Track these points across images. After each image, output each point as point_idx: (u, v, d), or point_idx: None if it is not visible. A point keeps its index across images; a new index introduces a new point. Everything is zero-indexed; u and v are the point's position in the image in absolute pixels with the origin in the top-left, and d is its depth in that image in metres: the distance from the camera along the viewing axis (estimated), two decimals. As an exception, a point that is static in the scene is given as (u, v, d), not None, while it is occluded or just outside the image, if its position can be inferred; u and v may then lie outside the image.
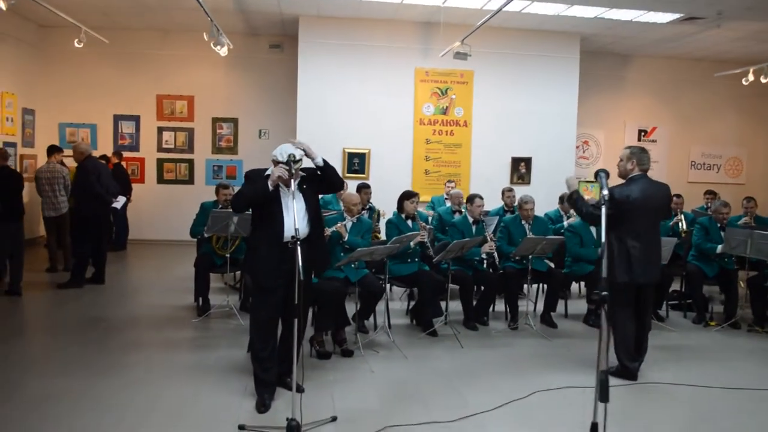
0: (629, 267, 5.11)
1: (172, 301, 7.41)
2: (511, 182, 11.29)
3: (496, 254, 6.69)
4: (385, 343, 5.89)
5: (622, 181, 5.38)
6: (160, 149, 12.10)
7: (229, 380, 4.78)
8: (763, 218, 8.59)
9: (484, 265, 7.00)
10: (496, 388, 4.85)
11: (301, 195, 4.33)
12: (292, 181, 4.13)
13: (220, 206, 6.96)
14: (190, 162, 12.15)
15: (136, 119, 11.96)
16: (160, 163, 12.10)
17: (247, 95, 12.19)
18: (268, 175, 4.26)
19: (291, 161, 4.12)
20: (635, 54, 12.80)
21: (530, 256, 6.64)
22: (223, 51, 8.65)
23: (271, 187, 4.17)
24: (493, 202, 9.03)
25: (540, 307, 7.16)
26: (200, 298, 6.87)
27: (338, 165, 10.77)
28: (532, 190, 10.45)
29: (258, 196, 4.24)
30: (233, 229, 6.57)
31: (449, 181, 10.02)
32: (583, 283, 8.04)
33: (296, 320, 3.76)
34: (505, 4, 7.73)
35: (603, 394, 3.14)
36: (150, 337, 5.94)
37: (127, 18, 10.91)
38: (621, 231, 5.12)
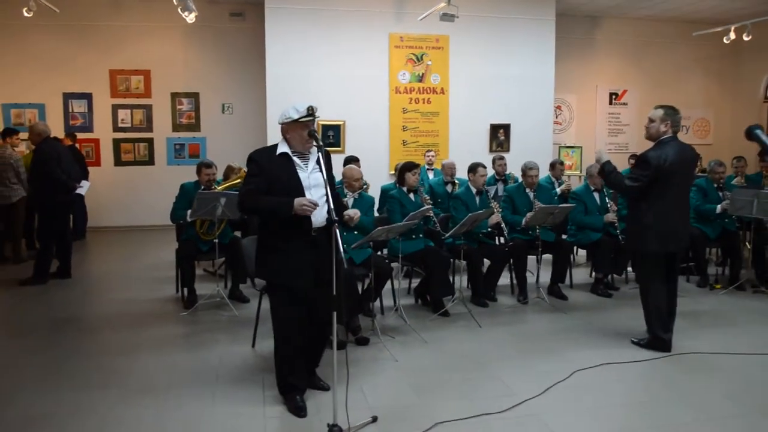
0: (662, 235, 4.82)
1: (150, 293, 6.78)
2: (491, 150, 10.94)
3: (504, 226, 6.32)
4: (400, 327, 5.46)
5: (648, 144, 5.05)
6: (116, 129, 11.23)
7: (243, 382, 4.26)
8: (752, 176, 8.50)
9: (491, 238, 6.63)
10: (534, 370, 4.50)
11: (318, 168, 3.70)
12: (314, 146, 3.67)
13: (203, 187, 6.34)
14: (150, 141, 11.34)
15: (88, 97, 11.03)
16: (117, 143, 11.25)
17: (207, 68, 11.41)
18: (286, 157, 3.70)
19: (312, 115, 3.65)
20: (606, 15, 12.55)
21: (538, 227, 6.32)
22: (191, 17, 7.95)
23: (293, 212, 3.54)
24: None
25: (544, 278, 6.84)
26: (185, 289, 6.28)
27: (312, 139, 10.17)
28: (511, 156, 10.08)
29: (275, 215, 3.64)
30: (220, 211, 5.99)
31: (428, 151, 9.57)
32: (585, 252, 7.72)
33: (335, 313, 3.30)
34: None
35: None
36: (137, 338, 5.30)
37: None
38: (653, 197, 4.82)
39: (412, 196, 6.12)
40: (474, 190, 6.49)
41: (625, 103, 13.20)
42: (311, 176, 3.70)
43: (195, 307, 6.07)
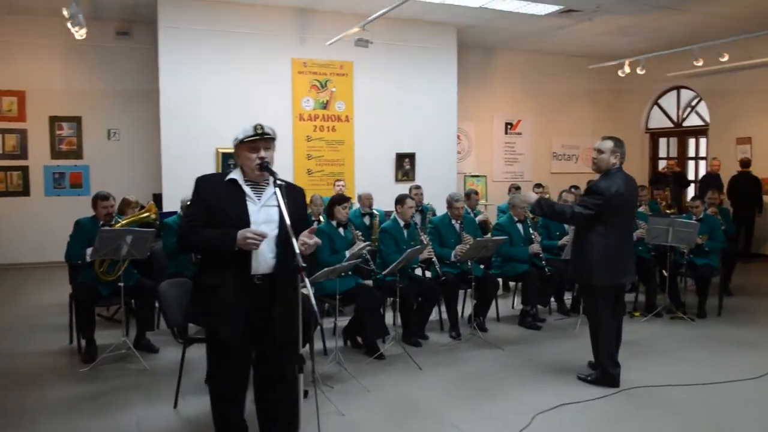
0: (611, 267, 4.76)
1: (38, 345, 5.88)
2: (396, 179, 10.78)
3: (435, 260, 6.07)
4: (336, 375, 5.02)
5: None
6: (-17, 156, 10.00)
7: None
8: (653, 203, 8.88)
9: (419, 272, 6.37)
10: (492, 415, 4.24)
11: (276, 199, 3.12)
12: (271, 180, 3.17)
13: (101, 223, 5.62)
14: (24, 169, 10.15)
15: (-50, 119, 9.76)
16: (-15, 172, 10.01)
17: (91, 90, 10.41)
18: (235, 185, 3.22)
19: (260, 134, 3.15)
20: (501, 48, 12.86)
21: (469, 261, 6.14)
22: (81, 33, 7.14)
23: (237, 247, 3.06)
24: (379, 201, 8.47)
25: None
26: (83, 340, 5.50)
27: (212, 167, 9.56)
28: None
29: (219, 251, 3.14)
30: (126, 250, 5.30)
31: (338, 181, 9.23)
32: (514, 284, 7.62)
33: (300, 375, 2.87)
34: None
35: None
36: (30, 401, 4.48)
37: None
38: (602, 229, 4.75)
39: (341, 230, 5.74)
40: (402, 223, 6.21)
41: (519, 133, 13.53)
42: (263, 210, 3.21)
43: (96, 360, 5.30)
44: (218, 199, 3.16)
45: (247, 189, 3.20)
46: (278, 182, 3.06)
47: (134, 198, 7.37)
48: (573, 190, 8.18)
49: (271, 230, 3.17)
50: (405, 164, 10.86)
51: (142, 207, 8.00)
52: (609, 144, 4.83)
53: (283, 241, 3.12)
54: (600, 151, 4.86)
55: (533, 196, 5.04)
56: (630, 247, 4.97)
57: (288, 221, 2.91)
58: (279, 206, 3.01)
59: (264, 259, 3.13)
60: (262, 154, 3.17)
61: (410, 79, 10.76)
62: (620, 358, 4.93)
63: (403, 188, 10.18)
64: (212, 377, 3.39)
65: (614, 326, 4.88)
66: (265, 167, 3.16)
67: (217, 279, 3.15)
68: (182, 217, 3.30)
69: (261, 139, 3.16)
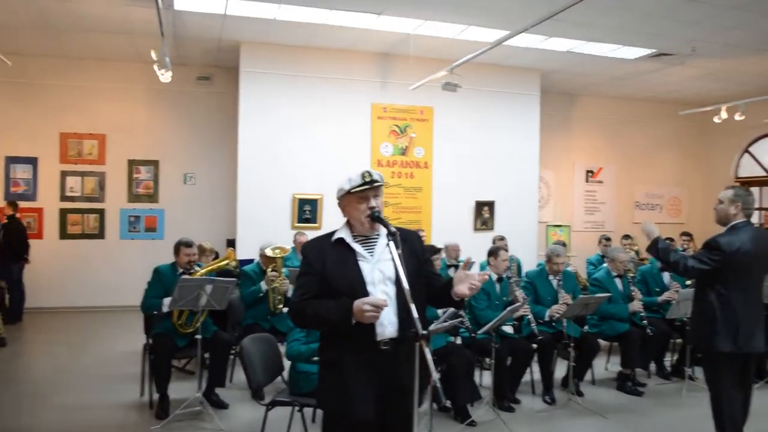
0: (735, 333, 4.16)
1: (108, 397, 5.63)
2: (475, 228, 10.33)
3: (532, 317, 5.56)
4: (428, 446, 4.54)
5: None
6: (63, 198, 10.02)
7: None
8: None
9: (512, 331, 5.86)
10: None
11: (389, 257, 2.72)
12: (383, 232, 2.77)
13: (180, 271, 5.37)
14: (101, 212, 10.19)
15: (33, 162, 9.87)
16: (64, 213, 10.03)
17: (169, 134, 10.47)
18: (344, 245, 2.84)
19: (369, 183, 2.79)
20: (583, 93, 12.39)
21: (565, 319, 5.61)
22: (167, 76, 7.09)
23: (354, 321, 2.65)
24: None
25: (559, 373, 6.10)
26: (158, 394, 5.20)
27: (288, 213, 9.36)
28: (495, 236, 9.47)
29: (334, 326, 2.74)
30: (205, 301, 5.03)
31: (419, 230, 8.84)
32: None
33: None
34: (507, 38, 6.82)
35: None
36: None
37: (26, 40, 9.01)
38: (723, 289, 4.19)
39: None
40: (495, 277, 5.75)
41: (600, 181, 12.92)
42: (377, 267, 2.80)
43: (169, 417, 4.98)
44: (328, 265, 2.80)
45: (356, 246, 2.82)
46: (392, 230, 2.67)
47: (209, 245, 7.20)
48: (685, 237, 7.60)
49: (389, 289, 2.77)
50: (484, 212, 10.41)
51: (217, 254, 7.83)
52: (729, 194, 4.30)
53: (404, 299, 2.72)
54: (720, 201, 4.34)
55: (655, 231, 4.49)
56: (759, 311, 4.34)
57: (404, 279, 2.53)
58: (394, 261, 2.62)
59: (390, 321, 2.73)
60: (372, 203, 2.80)
61: (491, 125, 10.40)
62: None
63: (482, 237, 9.84)
64: None
65: (739, 399, 4.25)
66: (377, 218, 2.78)
67: (341, 352, 2.76)
68: (295, 288, 2.87)
69: (370, 188, 2.79)
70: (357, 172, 2.82)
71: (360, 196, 2.79)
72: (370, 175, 2.80)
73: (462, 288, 2.72)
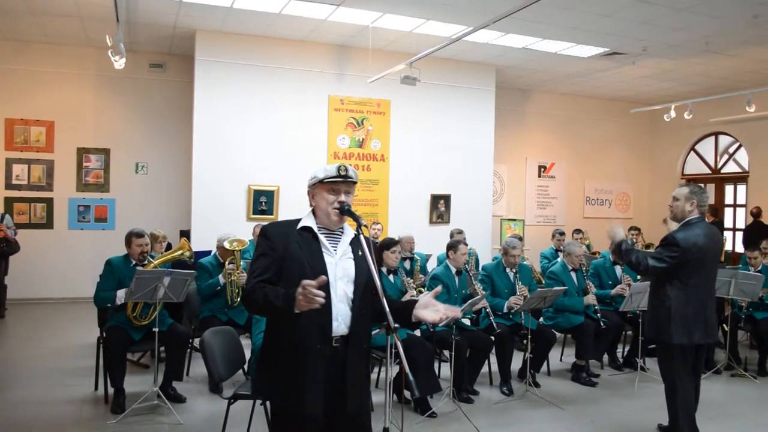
0: (689, 326, 4.33)
1: (62, 392, 5.46)
2: (431, 221, 10.41)
3: (489, 310, 5.64)
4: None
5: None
6: (9, 186, 9.64)
7: None
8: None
9: (470, 323, 5.95)
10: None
11: (350, 254, 2.81)
12: (346, 230, 2.83)
13: (134, 263, 5.26)
14: (49, 201, 9.86)
15: (-24, 149, 9.52)
16: (9, 202, 9.62)
17: (121, 122, 10.19)
18: (310, 233, 2.79)
19: (343, 176, 2.77)
20: (536, 89, 12.61)
21: (524, 312, 5.72)
22: (121, 63, 6.90)
23: (297, 310, 2.49)
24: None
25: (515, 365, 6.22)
26: (113, 388, 5.08)
27: (243, 204, 9.25)
28: (451, 229, 9.57)
29: (280, 315, 2.62)
30: (162, 293, 4.94)
31: (375, 223, 8.85)
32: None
33: None
34: (467, 34, 6.89)
35: None
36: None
37: (-33, 23, 8.65)
38: (680, 283, 4.35)
39: (391, 277, 5.35)
40: (453, 270, 5.81)
41: (552, 176, 13.18)
42: (340, 264, 2.77)
43: (126, 412, 4.88)
44: (292, 248, 2.73)
45: (322, 238, 2.80)
46: (362, 222, 2.69)
47: (162, 233, 7.01)
48: (633, 231, 7.82)
49: (348, 287, 2.77)
50: (440, 206, 10.50)
51: (169, 244, 7.68)
52: (684, 191, 4.48)
53: (359, 299, 2.73)
54: (675, 198, 4.51)
55: (621, 234, 4.61)
56: (712, 305, 4.53)
57: (374, 271, 2.58)
58: (366, 257, 2.64)
59: (344, 319, 2.72)
60: (343, 198, 2.79)
61: (447, 119, 10.48)
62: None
63: (438, 230, 9.94)
64: None
65: (692, 388, 4.45)
66: (347, 211, 2.77)
67: (295, 338, 2.67)
68: (249, 271, 2.78)
69: (343, 182, 2.78)
70: (334, 165, 2.81)
71: (332, 187, 2.77)
72: (346, 170, 2.79)
73: (425, 313, 2.78)
